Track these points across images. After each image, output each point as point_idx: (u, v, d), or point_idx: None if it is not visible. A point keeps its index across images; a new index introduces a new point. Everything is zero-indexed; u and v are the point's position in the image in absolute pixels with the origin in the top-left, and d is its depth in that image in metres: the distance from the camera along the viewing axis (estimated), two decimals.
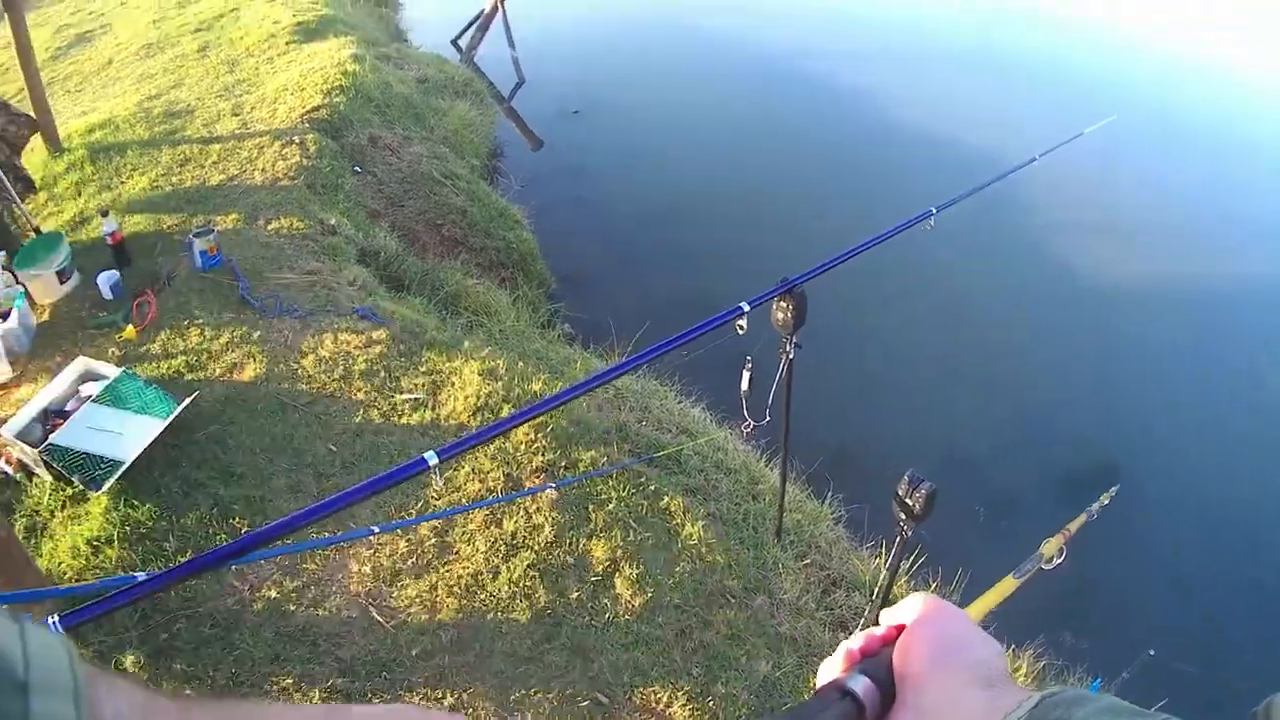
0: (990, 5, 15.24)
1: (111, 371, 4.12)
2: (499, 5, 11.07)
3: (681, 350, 2.31)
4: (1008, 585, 3.28)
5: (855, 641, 0.71)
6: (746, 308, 2.44)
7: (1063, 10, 15.28)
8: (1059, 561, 3.36)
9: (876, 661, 0.68)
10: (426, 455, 1.88)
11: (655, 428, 4.27)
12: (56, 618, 1.59)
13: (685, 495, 3.78)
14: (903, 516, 2.47)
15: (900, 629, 0.69)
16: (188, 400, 3.91)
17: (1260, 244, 8.35)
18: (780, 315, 2.70)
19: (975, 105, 10.80)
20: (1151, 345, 6.80)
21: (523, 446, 3.83)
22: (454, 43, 11.55)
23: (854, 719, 0.64)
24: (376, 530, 3.07)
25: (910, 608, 0.69)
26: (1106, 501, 3.86)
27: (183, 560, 3.25)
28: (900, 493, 2.45)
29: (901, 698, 0.65)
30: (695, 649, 3.23)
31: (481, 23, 11.30)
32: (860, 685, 0.65)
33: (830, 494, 4.41)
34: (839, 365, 5.86)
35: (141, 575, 2.98)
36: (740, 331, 2.43)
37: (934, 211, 3.01)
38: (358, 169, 6.50)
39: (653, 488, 3.75)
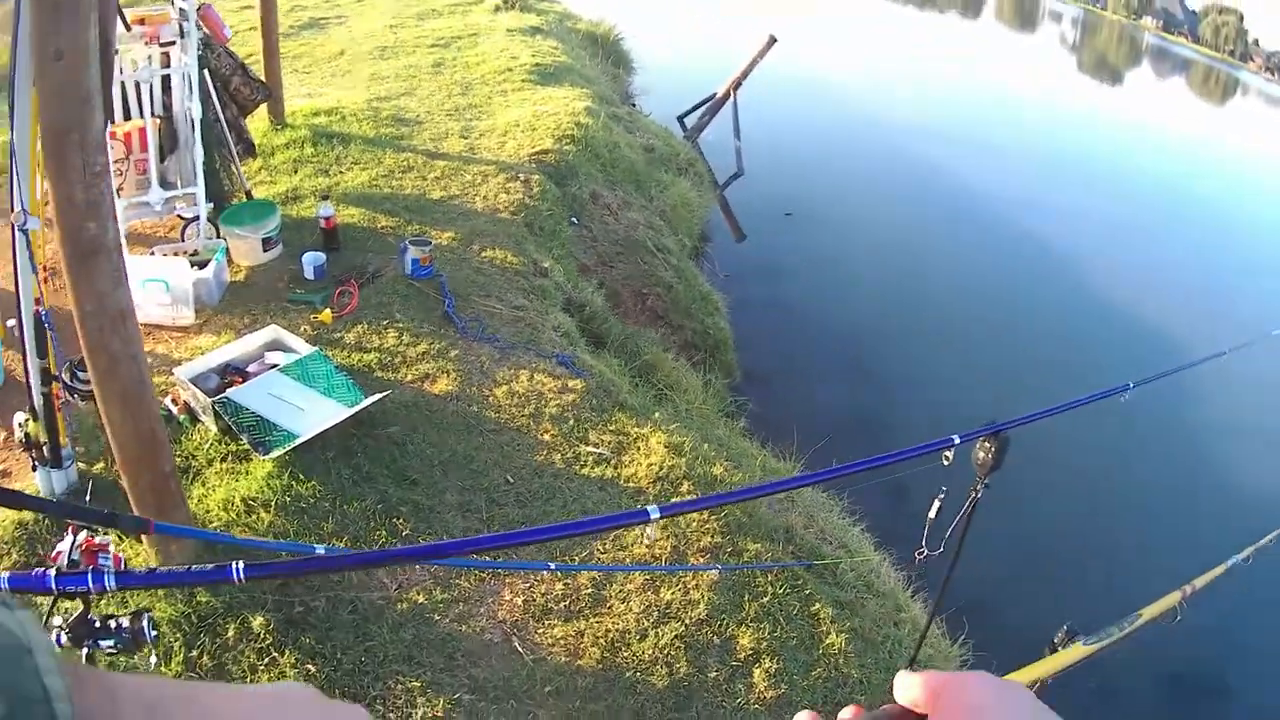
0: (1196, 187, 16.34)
1: (303, 347, 4.63)
2: (731, 93, 11.88)
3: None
4: (1073, 654, 2.95)
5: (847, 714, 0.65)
6: (957, 440, 2.65)
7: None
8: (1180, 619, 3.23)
9: None
10: (649, 509, 2.06)
11: (818, 537, 4.64)
12: (241, 565, 1.66)
13: (835, 606, 4.09)
14: None
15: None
16: (379, 396, 4.36)
17: None
18: (981, 455, 2.91)
19: (1180, 281, 11.73)
20: None
21: (694, 524, 4.19)
22: (680, 119, 12.48)
23: None
24: (552, 567, 3.36)
25: (961, 691, 0.59)
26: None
27: (339, 544, 3.62)
28: (1056, 641, 2.60)
29: None
30: None
31: (711, 106, 12.17)
32: None
33: (964, 636, 4.70)
34: (1000, 510, 6.00)
35: (320, 549, 3.35)
36: (946, 463, 2.65)
37: (1131, 385, 3.26)
38: (575, 221, 7.17)
39: (807, 591, 4.09)
